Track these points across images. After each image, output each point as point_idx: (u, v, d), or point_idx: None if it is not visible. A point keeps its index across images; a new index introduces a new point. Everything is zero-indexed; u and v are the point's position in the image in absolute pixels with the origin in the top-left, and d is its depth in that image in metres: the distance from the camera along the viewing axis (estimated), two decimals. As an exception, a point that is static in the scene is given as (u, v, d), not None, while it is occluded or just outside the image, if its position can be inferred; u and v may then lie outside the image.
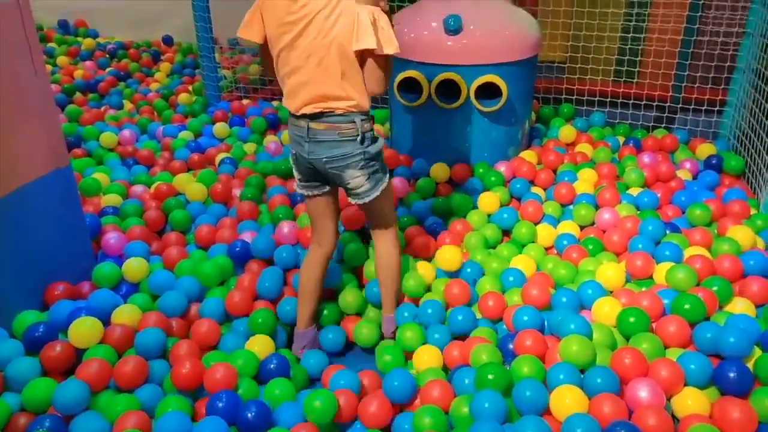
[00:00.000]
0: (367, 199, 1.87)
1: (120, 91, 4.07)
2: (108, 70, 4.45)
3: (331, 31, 1.68)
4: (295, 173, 1.93)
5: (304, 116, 1.79)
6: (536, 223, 2.43)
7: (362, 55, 1.74)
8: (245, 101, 3.76)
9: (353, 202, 1.92)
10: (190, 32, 3.62)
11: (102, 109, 3.78)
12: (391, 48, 1.71)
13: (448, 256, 2.19)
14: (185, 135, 3.33)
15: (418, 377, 1.76)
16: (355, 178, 1.82)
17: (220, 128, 3.38)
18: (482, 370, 1.63)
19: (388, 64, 1.78)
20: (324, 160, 1.80)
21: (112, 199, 2.64)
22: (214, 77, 3.75)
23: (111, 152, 3.18)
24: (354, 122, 1.77)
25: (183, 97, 3.84)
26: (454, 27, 2.56)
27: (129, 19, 4.96)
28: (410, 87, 2.72)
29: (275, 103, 3.73)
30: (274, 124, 3.47)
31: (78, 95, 3.96)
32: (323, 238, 1.99)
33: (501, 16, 2.73)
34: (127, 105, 3.87)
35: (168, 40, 4.95)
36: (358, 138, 1.78)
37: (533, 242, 2.36)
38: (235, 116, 3.53)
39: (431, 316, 1.98)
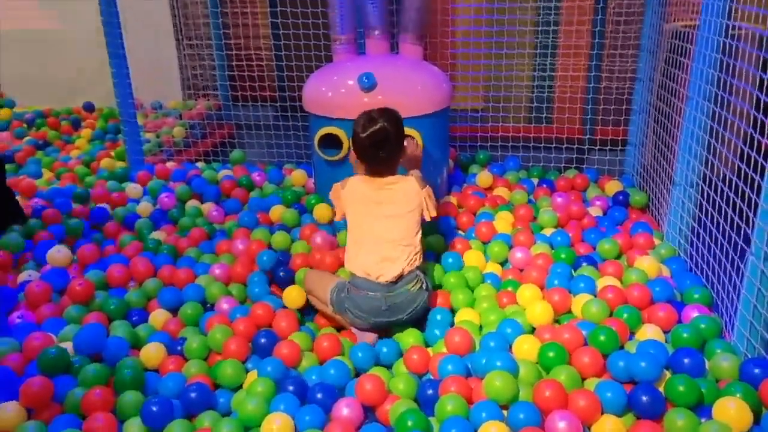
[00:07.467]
0: None
1: (38, 160, 3.96)
2: (26, 139, 4.35)
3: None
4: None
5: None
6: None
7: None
8: (169, 163, 3.75)
9: None
10: (112, 97, 3.61)
11: (20, 178, 3.69)
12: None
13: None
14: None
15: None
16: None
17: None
18: (402, 418, 1.65)
19: None
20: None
21: (29, 273, 2.49)
22: (137, 141, 3.73)
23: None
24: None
25: (105, 162, 3.80)
26: (368, 84, 2.67)
27: (48, 88, 4.89)
28: (331, 142, 2.81)
29: (200, 164, 3.74)
30: (198, 188, 3.32)
31: (-6, 167, 3.85)
32: None
33: (412, 72, 2.87)
34: (47, 174, 3.79)
35: (89, 107, 4.89)
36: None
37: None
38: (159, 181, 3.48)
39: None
